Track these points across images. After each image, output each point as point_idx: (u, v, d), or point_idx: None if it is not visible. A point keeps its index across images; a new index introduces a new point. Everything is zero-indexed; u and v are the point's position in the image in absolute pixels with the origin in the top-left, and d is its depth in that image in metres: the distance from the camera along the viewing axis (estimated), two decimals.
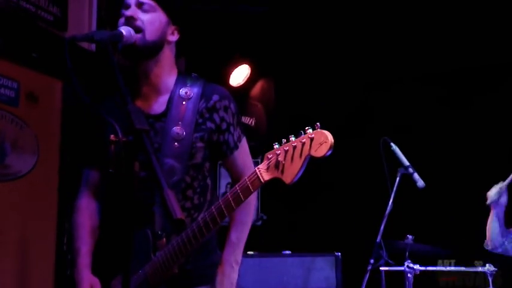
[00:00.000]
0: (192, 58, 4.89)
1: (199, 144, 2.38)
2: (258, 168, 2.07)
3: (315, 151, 1.94)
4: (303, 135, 1.98)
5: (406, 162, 4.24)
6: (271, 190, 4.02)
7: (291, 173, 1.99)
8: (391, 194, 4.19)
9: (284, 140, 2.03)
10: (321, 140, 1.93)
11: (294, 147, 1.98)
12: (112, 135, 1.77)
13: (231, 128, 2.44)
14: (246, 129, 2.56)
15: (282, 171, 2.01)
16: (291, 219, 5.99)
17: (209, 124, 2.40)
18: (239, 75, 5.84)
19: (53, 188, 3.73)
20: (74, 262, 2.46)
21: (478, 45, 5.27)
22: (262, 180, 2.05)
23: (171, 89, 2.43)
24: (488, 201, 3.99)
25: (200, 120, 2.39)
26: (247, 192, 2.10)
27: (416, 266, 4.13)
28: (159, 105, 2.43)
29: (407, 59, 5.58)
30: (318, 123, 1.96)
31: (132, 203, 1.78)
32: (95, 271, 2.46)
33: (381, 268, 4.32)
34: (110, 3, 4.13)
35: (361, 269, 4.11)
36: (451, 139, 5.49)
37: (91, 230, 2.52)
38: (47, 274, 3.65)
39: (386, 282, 4.43)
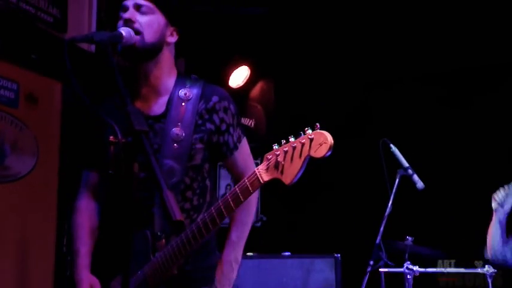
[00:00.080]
0: (191, 59, 4.89)
1: (199, 146, 2.38)
2: (257, 169, 2.07)
3: (315, 152, 1.94)
4: (302, 136, 1.98)
5: (406, 164, 4.24)
6: (271, 191, 4.01)
7: (291, 174, 1.99)
8: (390, 195, 4.19)
9: (283, 141, 2.03)
10: (320, 141, 1.93)
11: (294, 148, 1.98)
12: (111, 137, 1.77)
13: (231, 129, 2.44)
14: (246, 131, 2.56)
15: (282, 172, 2.01)
16: (291, 220, 5.98)
17: (209, 125, 2.39)
18: (239, 76, 5.83)
19: (53, 189, 3.73)
20: (74, 263, 2.46)
21: (478, 45, 5.27)
22: (261, 180, 2.05)
23: (170, 90, 2.43)
24: (493, 205, 3.92)
25: (200, 122, 2.39)
26: (246, 193, 2.10)
27: (416, 268, 4.13)
28: (158, 106, 2.43)
29: (407, 59, 5.58)
30: (317, 124, 1.96)
31: (131, 204, 1.78)
32: (95, 272, 2.46)
33: (380, 269, 4.31)
34: (109, 5, 4.13)
35: (361, 271, 4.11)
36: (450, 140, 5.48)
37: (90, 230, 2.52)
38: (46, 275, 3.65)
39: (386, 284, 4.42)
